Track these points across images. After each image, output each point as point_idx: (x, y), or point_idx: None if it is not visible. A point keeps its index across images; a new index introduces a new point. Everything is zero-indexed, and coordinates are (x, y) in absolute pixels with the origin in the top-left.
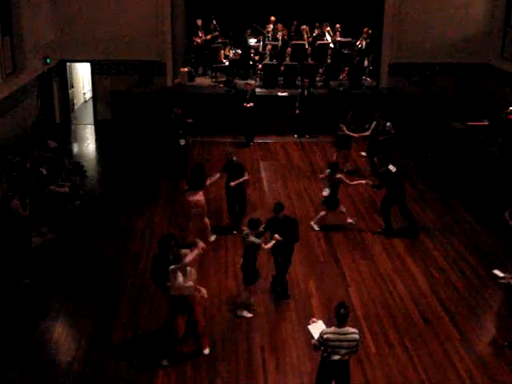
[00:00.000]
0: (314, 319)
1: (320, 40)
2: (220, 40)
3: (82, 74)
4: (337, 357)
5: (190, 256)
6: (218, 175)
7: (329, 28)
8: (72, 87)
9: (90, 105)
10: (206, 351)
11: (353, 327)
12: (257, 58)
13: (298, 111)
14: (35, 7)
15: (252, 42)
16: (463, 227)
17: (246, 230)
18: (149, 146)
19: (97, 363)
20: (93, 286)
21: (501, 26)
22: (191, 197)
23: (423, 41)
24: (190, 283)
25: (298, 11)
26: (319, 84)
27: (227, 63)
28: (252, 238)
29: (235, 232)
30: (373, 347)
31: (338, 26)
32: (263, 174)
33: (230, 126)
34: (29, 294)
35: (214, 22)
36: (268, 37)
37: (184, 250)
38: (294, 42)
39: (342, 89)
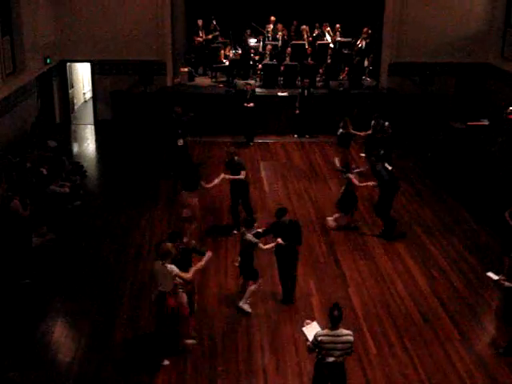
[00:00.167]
0: (309, 321)
1: (320, 40)
2: (220, 40)
3: (82, 74)
4: (331, 359)
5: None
6: (220, 178)
7: (329, 28)
8: (72, 87)
9: (90, 105)
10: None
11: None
12: (257, 57)
13: (298, 111)
14: (35, 7)
15: (252, 42)
16: (463, 227)
17: (243, 228)
18: (149, 146)
19: (97, 363)
20: (93, 286)
21: (501, 25)
22: (184, 197)
23: (423, 41)
24: None
25: (298, 11)
26: (319, 84)
27: (227, 63)
28: (249, 237)
29: (235, 232)
30: (373, 347)
31: (337, 26)
32: (263, 174)
33: (230, 126)
34: (29, 293)
35: (214, 22)
36: (268, 37)
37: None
38: (293, 42)
39: (341, 89)
